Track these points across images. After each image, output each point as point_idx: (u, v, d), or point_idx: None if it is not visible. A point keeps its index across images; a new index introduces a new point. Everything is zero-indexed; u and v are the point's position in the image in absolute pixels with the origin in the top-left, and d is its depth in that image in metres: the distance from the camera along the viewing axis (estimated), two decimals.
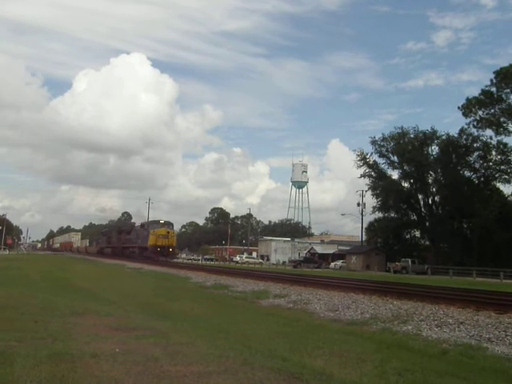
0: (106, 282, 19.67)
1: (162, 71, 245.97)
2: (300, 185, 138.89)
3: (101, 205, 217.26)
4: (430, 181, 61.65)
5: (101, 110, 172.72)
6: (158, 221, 55.11)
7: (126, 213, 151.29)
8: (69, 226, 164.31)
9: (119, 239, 63.90)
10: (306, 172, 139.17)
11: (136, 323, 8.15)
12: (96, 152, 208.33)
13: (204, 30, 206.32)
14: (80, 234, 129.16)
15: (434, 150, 60.75)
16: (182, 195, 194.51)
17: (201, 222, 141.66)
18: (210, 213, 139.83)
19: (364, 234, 65.44)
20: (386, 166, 63.06)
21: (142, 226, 56.84)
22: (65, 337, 6.54)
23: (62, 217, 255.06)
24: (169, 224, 55.04)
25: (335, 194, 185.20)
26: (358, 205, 62.84)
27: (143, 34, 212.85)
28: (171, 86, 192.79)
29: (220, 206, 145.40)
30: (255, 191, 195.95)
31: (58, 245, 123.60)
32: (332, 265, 62.90)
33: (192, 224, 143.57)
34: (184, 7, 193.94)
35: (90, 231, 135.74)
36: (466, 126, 55.76)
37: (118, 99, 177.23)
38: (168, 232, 51.42)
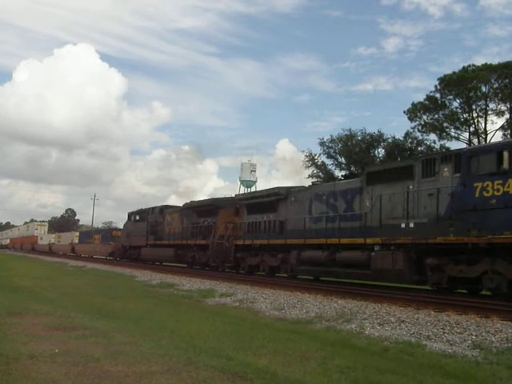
0: (47, 280, 19.04)
1: (110, 65, 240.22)
2: (248, 184, 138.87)
3: (42, 200, 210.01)
4: None
5: (43, 101, 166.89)
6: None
7: (69, 209, 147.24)
8: (8, 222, 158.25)
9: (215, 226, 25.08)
10: (255, 171, 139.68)
11: (77, 323, 7.93)
12: (37, 145, 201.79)
13: (157, 26, 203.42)
14: (47, 224, 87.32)
15: (381, 152, 62.48)
16: (128, 192, 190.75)
17: None
18: None
19: None
20: (334, 167, 64.30)
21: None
22: (0, 337, 6.28)
23: (0, 212, 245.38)
24: None
25: None
26: None
27: (94, 28, 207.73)
28: (119, 81, 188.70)
29: (167, 204, 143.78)
30: (203, 189, 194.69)
31: (8, 241, 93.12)
32: None
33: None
34: (138, 2, 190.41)
35: None
36: (411, 130, 57.68)
37: (61, 91, 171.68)
38: None
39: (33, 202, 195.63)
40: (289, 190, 20.79)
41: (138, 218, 35.83)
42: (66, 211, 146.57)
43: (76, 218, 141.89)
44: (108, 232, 47.15)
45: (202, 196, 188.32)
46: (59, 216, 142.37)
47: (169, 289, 17.48)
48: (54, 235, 69.11)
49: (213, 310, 11.86)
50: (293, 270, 19.64)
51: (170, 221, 30.89)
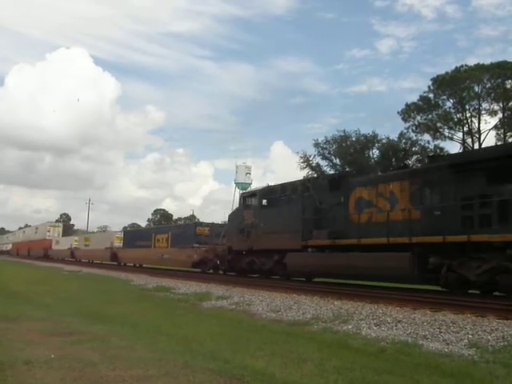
0: (43, 285, 18.96)
1: (104, 69, 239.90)
2: (243, 186, 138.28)
3: (36, 205, 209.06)
4: None
5: (36, 106, 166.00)
6: None
7: (64, 214, 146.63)
8: (3, 228, 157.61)
9: None
10: (250, 174, 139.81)
11: (73, 327, 7.90)
12: (30, 150, 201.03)
13: (150, 30, 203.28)
14: (61, 225, 73.34)
15: (375, 153, 62.66)
16: (122, 196, 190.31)
17: (143, 223, 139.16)
18: (152, 214, 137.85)
19: None
20: (329, 169, 64.36)
21: None
22: None
23: None
24: None
25: None
26: None
27: (87, 32, 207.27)
28: (113, 85, 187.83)
29: (162, 208, 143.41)
30: (198, 192, 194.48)
31: (10, 246, 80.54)
32: None
33: (134, 226, 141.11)
34: (131, 6, 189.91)
35: None
36: (405, 131, 57.90)
37: (54, 95, 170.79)
38: None
39: (27, 208, 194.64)
40: None
41: (266, 201, 20.58)
42: (61, 216, 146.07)
43: (71, 222, 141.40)
44: (186, 229, 30.33)
45: (195, 199, 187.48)
46: (54, 221, 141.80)
47: (165, 292, 17.43)
48: (77, 237, 54.73)
49: (209, 313, 11.84)
50: None
51: (370, 199, 15.84)
